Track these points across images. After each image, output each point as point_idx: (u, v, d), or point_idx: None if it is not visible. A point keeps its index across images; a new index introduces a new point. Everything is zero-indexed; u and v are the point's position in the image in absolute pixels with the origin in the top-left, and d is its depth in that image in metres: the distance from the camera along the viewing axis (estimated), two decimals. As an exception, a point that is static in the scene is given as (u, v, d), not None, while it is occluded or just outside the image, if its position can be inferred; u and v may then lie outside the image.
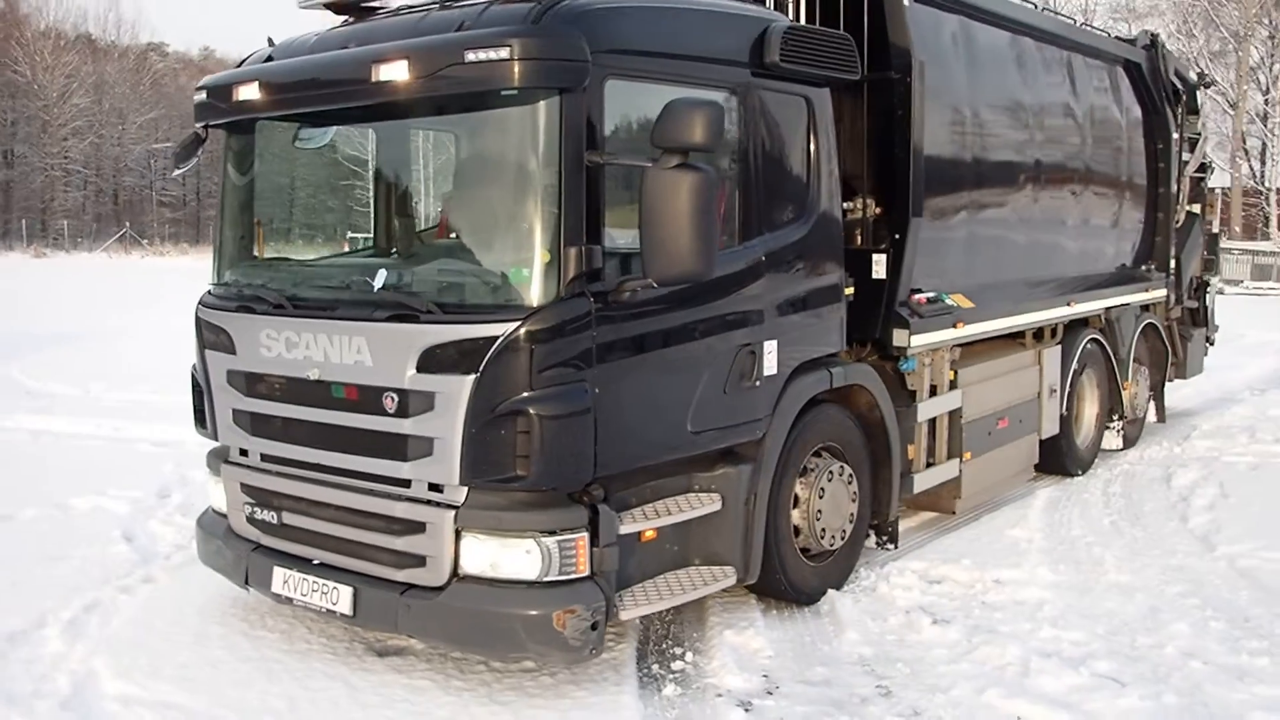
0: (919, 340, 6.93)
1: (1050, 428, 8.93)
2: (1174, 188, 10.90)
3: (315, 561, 5.53)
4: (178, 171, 6.21)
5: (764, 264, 5.75)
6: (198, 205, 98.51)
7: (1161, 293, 10.83)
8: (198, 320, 6.04)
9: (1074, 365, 9.24)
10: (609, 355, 4.98)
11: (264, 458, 5.81)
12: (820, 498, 6.26)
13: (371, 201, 6.26)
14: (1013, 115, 8.25)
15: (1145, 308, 10.68)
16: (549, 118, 4.81)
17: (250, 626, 6.04)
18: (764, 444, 5.85)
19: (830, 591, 6.46)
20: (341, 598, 5.31)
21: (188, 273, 50.69)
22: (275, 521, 5.70)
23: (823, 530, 6.29)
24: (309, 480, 5.55)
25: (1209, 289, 12.38)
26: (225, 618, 6.18)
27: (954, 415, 7.55)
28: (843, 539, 6.49)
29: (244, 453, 5.94)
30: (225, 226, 6.23)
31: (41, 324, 21.97)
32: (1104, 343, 9.81)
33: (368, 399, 5.17)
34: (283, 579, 5.57)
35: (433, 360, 4.92)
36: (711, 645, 5.78)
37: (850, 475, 6.51)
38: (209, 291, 6.19)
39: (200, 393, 6.14)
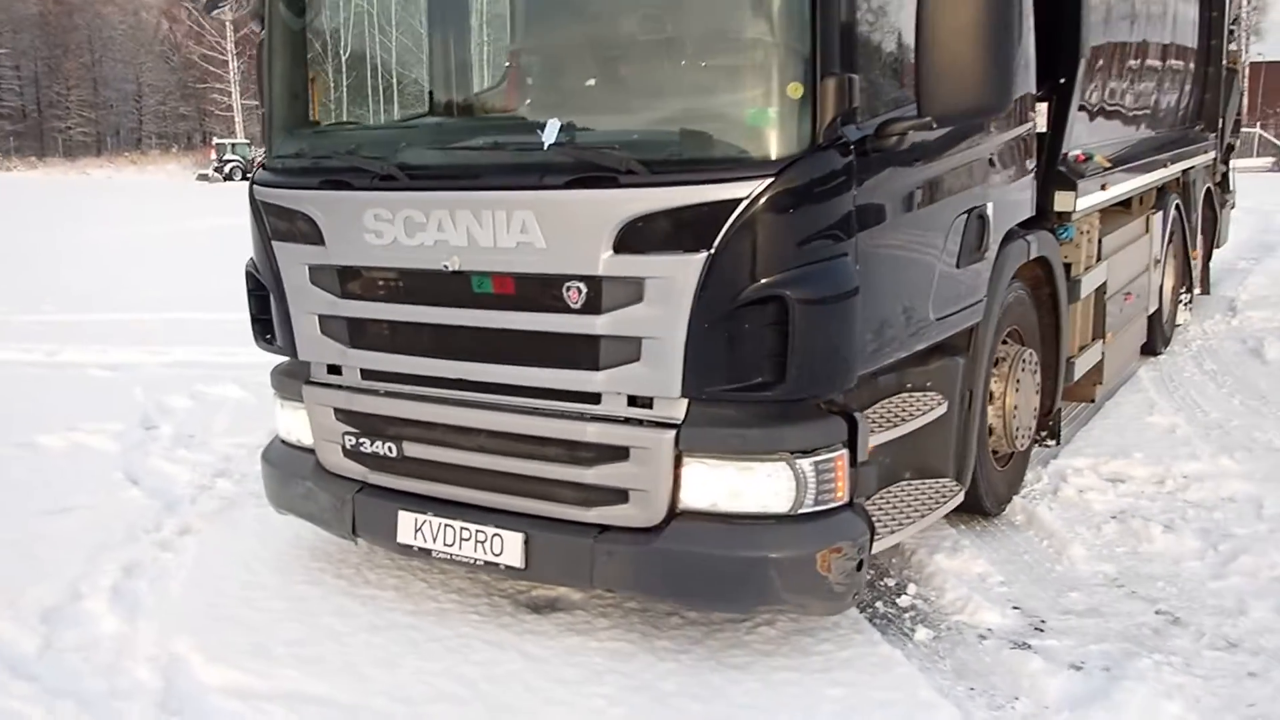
0: (1082, 204, 5.97)
1: (1154, 302, 8.17)
2: (1226, 40, 10.12)
3: (428, 495, 4.38)
4: (214, 11, 4.76)
5: (988, 107, 4.66)
6: (39, 116, 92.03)
7: (1212, 155, 10.12)
8: (258, 205, 4.68)
9: (1168, 233, 8.46)
10: (866, 220, 3.87)
11: (365, 374, 4.56)
12: (1016, 391, 5.31)
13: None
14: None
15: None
16: None
17: (350, 584, 4.85)
18: (977, 330, 4.85)
19: (1016, 500, 5.57)
20: (507, 547, 4.16)
21: (47, 187, 47.21)
22: (393, 454, 4.48)
23: (1016, 429, 5.36)
24: (439, 401, 4.34)
25: (1232, 152, 11.77)
26: (312, 574, 4.96)
27: (1099, 292, 6.66)
28: (1029, 437, 5.58)
29: (334, 370, 4.67)
30: (278, 82, 4.82)
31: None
32: (1182, 209, 9.05)
33: (533, 292, 3.97)
34: (413, 526, 4.38)
35: (640, 236, 3.74)
36: (929, 574, 4.83)
37: (1036, 364, 5.57)
38: (264, 167, 4.82)
39: (263, 298, 4.81)
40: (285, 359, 4.93)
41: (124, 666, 4.20)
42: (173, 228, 24.80)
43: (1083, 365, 6.42)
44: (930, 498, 4.61)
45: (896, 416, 4.45)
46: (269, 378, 5.10)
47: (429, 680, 4.00)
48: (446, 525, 4.30)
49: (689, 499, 3.90)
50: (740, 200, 3.59)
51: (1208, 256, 10.68)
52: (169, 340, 10.51)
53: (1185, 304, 9.58)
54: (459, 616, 4.49)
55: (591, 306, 3.85)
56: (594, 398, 4.00)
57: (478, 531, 4.22)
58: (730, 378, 3.74)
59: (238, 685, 4.03)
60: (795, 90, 3.64)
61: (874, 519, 4.25)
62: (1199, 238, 9.84)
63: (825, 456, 3.83)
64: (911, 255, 4.23)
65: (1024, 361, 5.38)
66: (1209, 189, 10.11)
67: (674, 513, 3.93)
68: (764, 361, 3.69)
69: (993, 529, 5.32)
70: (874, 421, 4.35)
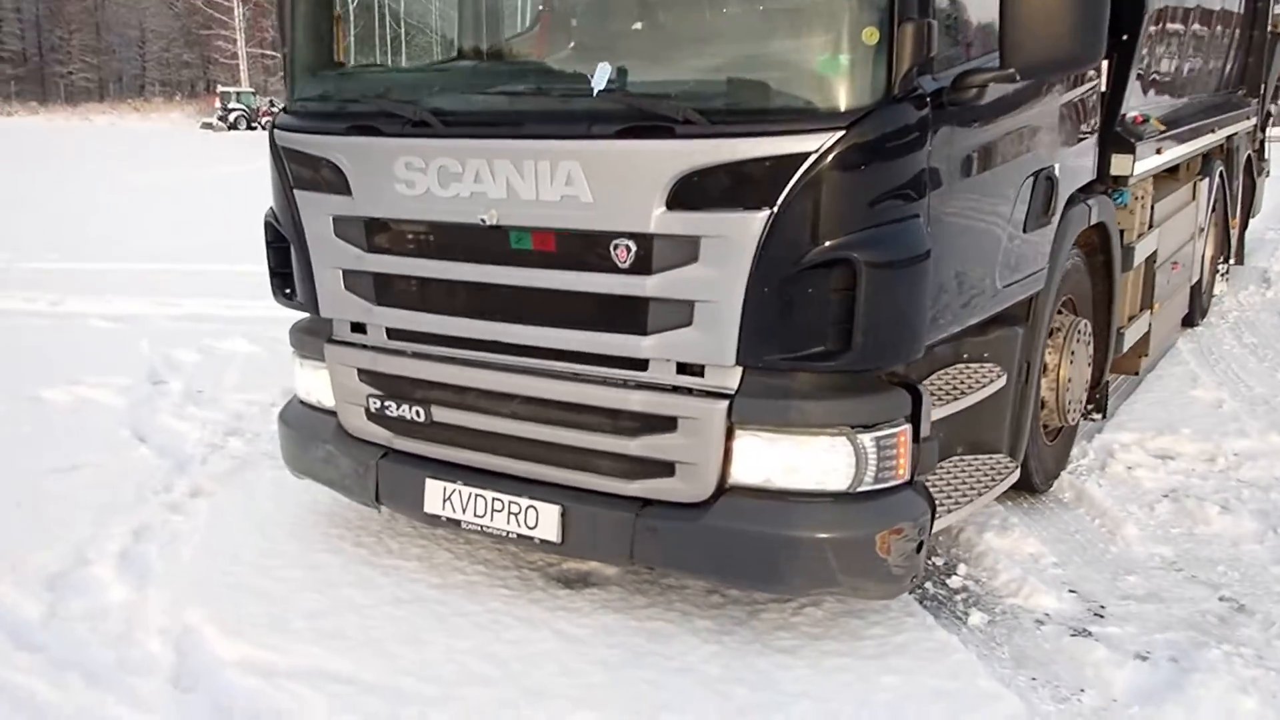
0: (1139, 168, 5.68)
1: (1197, 272, 7.90)
2: (1272, 2, 9.76)
3: (458, 463, 4.14)
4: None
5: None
6: (40, 60, 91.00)
7: (1254, 121, 9.78)
8: (279, 151, 4.41)
9: (1212, 200, 8.17)
10: (937, 180, 3.60)
11: (391, 334, 4.30)
12: (1070, 363, 5.06)
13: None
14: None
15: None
16: None
17: (371, 553, 4.62)
18: (1037, 298, 4.60)
19: (1063, 476, 5.34)
20: (542, 520, 3.93)
21: (48, 133, 46.66)
22: (420, 419, 4.24)
23: (1069, 402, 5.12)
24: (472, 364, 4.09)
25: (1270, 119, 11.42)
26: (331, 541, 4.74)
27: (1149, 261, 6.39)
28: (1080, 411, 5.34)
29: (358, 328, 4.41)
30: (301, 20, 4.51)
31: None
32: (1225, 177, 8.75)
33: (576, 249, 3.70)
34: (442, 496, 4.15)
35: (696, 192, 3.47)
36: (978, 553, 4.61)
37: (1090, 335, 5.32)
38: (284, 110, 4.54)
39: (283, 250, 4.55)
40: (305, 315, 4.68)
41: (134, 638, 3.98)
42: (179, 176, 24.46)
43: (1131, 336, 6.17)
44: (985, 475, 4.37)
45: (955, 389, 4.21)
46: (287, 335, 4.85)
47: (458, 659, 3.78)
48: (477, 495, 4.06)
49: (740, 474, 3.67)
50: (808, 154, 3.32)
51: (1244, 226, 10.38)
52: (176, 291, 10.26)
53: (1222, 274, 9.31)
54: (487, 590, 4.27)
55: (641, 266, 3.59)
56: (640, 364, 3.75)
57: (511, 503, 3.99)
58: (791, 345, 3.49)
59: (255, 660, 3.81)
60: (871, 36, 3.35)
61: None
62: (1238, 206, 9.54)
63: (888, 432, 3.59)
64: (981, 218, 3.97)
65: (1079, 332, 5.13)
66: (1249, 155, 9.79)
67: (723, 488, 3.69)
68: (828, 329, 3.43)
69: (1041, 506, 5.10)
70: (933, 395, 4.10)
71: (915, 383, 3.72)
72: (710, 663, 3.74)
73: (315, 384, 4.64)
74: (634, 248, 3.58)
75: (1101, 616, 4.10)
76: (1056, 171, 4.43)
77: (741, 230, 3.42)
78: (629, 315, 3.66)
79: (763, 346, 3.51)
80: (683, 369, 3.70)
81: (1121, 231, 5.84)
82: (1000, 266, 4.11)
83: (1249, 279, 10.44)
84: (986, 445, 4.54)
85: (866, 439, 3.56)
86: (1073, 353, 5.06)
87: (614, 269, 3.63)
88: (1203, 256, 8.15)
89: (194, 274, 11.37)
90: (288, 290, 4.62)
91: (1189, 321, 8.33)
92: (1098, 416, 5.94)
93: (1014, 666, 3.77)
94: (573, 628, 3.97)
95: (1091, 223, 5.04)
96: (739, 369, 3.61)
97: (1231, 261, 10.31)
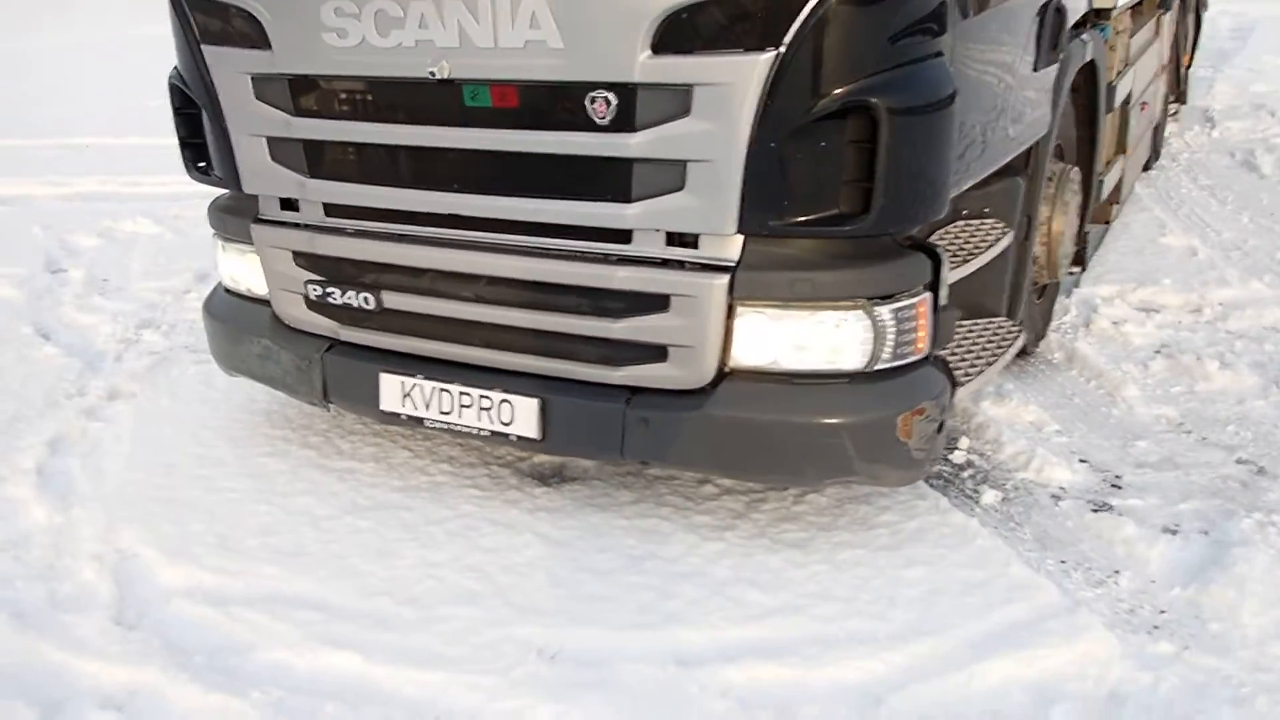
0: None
1: (1159, 113, 7.59)
2: None
3: (415, 353, 3.71)
4: None
5: None
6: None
7: (1202, -47, 9.42)
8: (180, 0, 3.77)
9: (1171, 37, 7.82)
10: (958, 12, 3.14)
11: (329, 210, 3.77)
12: (1063, 215, 4.71)
13: None
14: None
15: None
16: None
17: (321, 455, 4.18)
18: (1039, 145, 4.22)
19: (1051, 335, 5.07)
20: (519, 415, 3.51)
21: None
22: (370, 307, 3.75)
23: (1061, 256, 4.80)
24: (426, 241, 3.60)
25: (1208, -46, 11.06)
26: (275, 444, 4.28)
27: (1125, 101, 6.03)
28: (1069, 265, 5.03)
29: (289, 204, 3.87)
30: None
31: None
32: (1181, 10, 8.39)
33: (545, 105, 3.20)
34: (400, 391, 3.70)
35: (688, 31, 2.97)
36: (978, 424, 4.32)
37: (1080, 183, 4.98)
38: (185, -51, 3.87)
39: (193, 117, 3.95)
40: (225, 192, 4.11)
41: (65, 567, 3.53)
42: (59, 41, 22.62)
43: (1109, 183, 5.86)
44: (990, 341, 4.05)
45: (963, 249, 3.83)
46: (194, 213, 4.29)
47: (435, 573, 3.40)
48: (441, 390, 3.62)
49: (743, 356, 3.27)
50: (818, -15, 2.84)
51: (1188, 65, 10.09)
52: (66, 169, 9.34)
53: (1172, 115, 9.04)
54: (456, 492, 3.87)
55: (623, 122, 3.10)
56: (624, 236, 3.29)
57: (481, 397, 3.56)
58: (802, 209, 3.05)
59: (205, 587, 3.39)
60: None
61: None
62: (1188, 42, 9.23)
63: (907, 302, 3.21)
64: (997, 56, 3.53)
65: (1070, 181, 4.78)
66: (1195, -9, 9.46)
67: (723, 372, 3.30)
68: (841, 189, 3.01)
69: (1032, 369, 4.82)
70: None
71: (933, 246, 3.33)
72: (717, 564, 3.41)
73: (243, 270, 4.11)
74: (614, 101, 3.09)
75: (1119, 488, 3.86)
76: (1065, 2, 4.00)
77: (743, 76, 2.94)
78: (609, 180, 3.19)
79: (769, 211, 3.07)
80: (673, 240, 3.25)
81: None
82: (1013, 109, 3.71)
83: (1193, 119, 10.20)
84: (985, 308, 4.21)
85: (884, 311, 3.18)
86: (1065, 203, 4.71)
87: (591, 126, 3.14)
88: (1163, 95, 7.84)
89: (85, 148, 10.42)
90: (201, 164, 4.03)
91: (1145, 165, 8.06)
92: (1076, 269, 5.65)
93: (1039, 549, 3.50)
94: (557, 531, 3.60)
95: (1085, 60, 4.64)
96: (739, 238, 3.17)
97: (1177, 101, 10.05)
